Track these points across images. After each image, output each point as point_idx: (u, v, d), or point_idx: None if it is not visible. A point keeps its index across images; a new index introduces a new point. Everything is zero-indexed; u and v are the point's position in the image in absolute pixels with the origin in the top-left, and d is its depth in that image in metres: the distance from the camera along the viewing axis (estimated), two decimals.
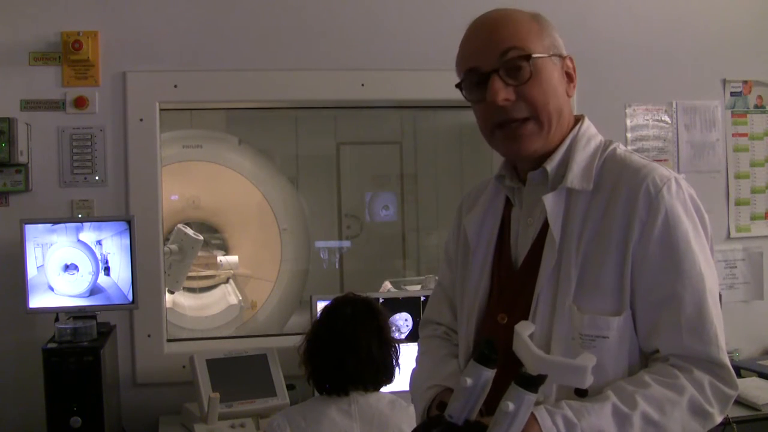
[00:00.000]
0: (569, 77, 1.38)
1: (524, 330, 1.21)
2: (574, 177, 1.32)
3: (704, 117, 3.13)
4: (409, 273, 4.56)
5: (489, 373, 1.16)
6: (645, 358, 1.29)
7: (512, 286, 1.38)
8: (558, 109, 1.34)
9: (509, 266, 1.40)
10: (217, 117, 4.08)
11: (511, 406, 1.10)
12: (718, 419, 1.23)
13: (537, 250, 1.34)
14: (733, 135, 3.17)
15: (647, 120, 3.09)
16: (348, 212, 4.75)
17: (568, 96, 1.38)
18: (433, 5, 2.90)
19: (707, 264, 1.27)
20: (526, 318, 1.30)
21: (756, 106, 3.19)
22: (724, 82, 3.15)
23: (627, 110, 3.06)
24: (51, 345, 2.27)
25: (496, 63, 1.30)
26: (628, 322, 1.26)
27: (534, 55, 1.31)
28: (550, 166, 1.35)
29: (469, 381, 1.16)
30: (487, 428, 1.14)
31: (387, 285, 3.33)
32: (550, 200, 1.32)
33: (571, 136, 1.37)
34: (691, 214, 1.28)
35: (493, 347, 1.17)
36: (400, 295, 2.85)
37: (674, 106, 3.11)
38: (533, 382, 1.11)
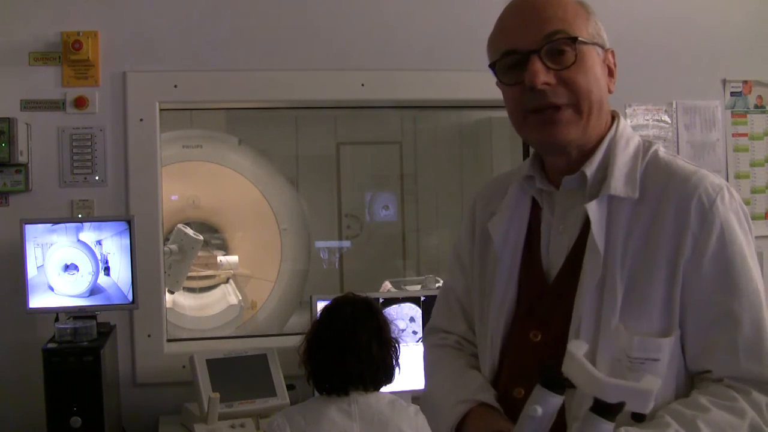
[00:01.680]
0: (610, 72, 1.29)
1: (578, 349, 1.12)
2: (618, 183, 1.22)
3: (704, 117, 3.13)
4: (409, 273, 4.55)
5: (558, 400, 1.09)
6: (690, 377, 1.22)
7: (546, 301, 1.28)
8: (599, 100, 1.25)
9: (540, 278, 1.30)
10: (217, 117, 4.07)
11: None
12: None
13: (574, 262, 1.24)
14: (733, 135, 3.17)
15: (647, 120, 3.08)
16: (348, 212, 4.74)
17: (609, 92, 1.29)
18: (432, 5, 2.89)
19: (760, 278, 1.20)
20: (563, 336, 1.21)
21: (756, 106, 3.19)
22: (724, 82, 3.15)
23: (627, 110, 3.06)
24: (51, 345, 2.27)
25: (537, 44, 1.21)
26: (677, 342, 1.18)
27: (580, 38, 1.22)
28: (590, 170, 1.25)
29: (539, 410, 1.08)
30: None
31: (387, 285, 3.33)
32: (594, 209, 1.21)
33: (609, 136, 1.28)
34: (744, 226, 1.21)
35: (558, 371, 1.08)
36: (400, 295, 2.84)
37: (674, 106, 3.11)
38: (611, 411, 1.01)
